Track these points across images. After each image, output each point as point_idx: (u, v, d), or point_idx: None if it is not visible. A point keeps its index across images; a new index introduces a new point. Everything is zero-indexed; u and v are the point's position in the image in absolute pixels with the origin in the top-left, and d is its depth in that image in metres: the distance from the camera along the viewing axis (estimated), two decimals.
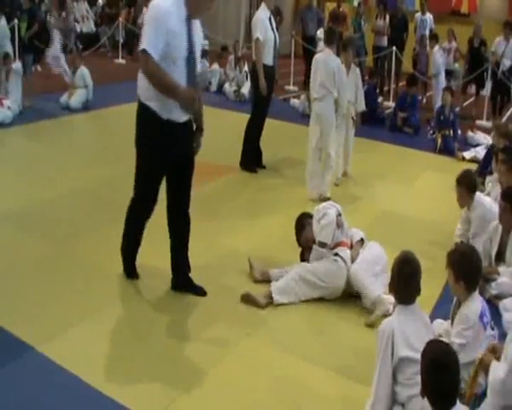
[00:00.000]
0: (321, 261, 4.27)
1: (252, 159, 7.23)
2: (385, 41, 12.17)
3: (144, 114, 3.94)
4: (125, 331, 3.84)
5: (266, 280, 4.36)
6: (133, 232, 4.33)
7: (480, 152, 7.86)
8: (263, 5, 7.03)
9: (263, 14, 6.92)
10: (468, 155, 8.17)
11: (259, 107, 7.19)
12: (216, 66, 12.45)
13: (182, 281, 4.29)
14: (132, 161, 4.09)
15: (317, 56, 6.47)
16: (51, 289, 4.25)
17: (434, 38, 11.08)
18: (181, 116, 3.91)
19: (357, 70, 7.11)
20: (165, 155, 3.95)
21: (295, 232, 4.53)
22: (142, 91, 3.91)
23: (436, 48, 10.84)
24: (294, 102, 11.00)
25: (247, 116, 9.99)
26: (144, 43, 3.70)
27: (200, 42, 4.02)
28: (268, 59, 6.98)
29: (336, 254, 4.28)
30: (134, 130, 4.03)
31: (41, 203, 5.82)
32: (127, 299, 4.22)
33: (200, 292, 4.26)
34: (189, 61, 3.85)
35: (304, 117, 9.95)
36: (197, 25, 3.99)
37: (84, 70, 10.01)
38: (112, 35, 16.00)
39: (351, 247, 4.38)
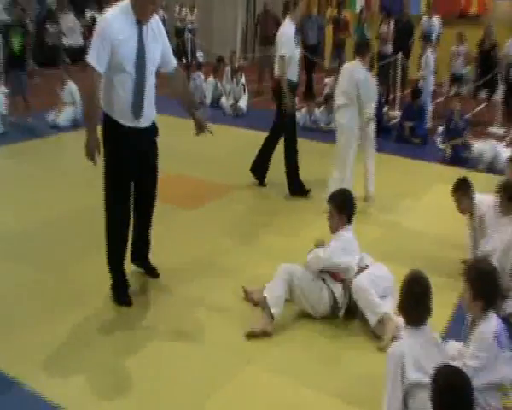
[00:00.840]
0: (309, 281, 4.26)
1: (264, 173, 7.31)
2: (389, 48, 12.23)
3: (107, 122, 4.20)
4: (119, 363, 3.82)
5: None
6: (114, 256, 4.46)
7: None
8: (288, 19, 6.91)
9: (289, 29, 6.83)
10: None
11: (285, 127, 7.09)
12: (211, 78, 12.51)
13: (140, 256, 4.77)
14: None
15: (344, 65, 7.02)
16: (37, 319, 4.25)
17: (427, 39, 11.27)
18: (135, 123, 4.19)
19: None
20: (130, 162, 4.24)
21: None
22: (104, 101, 4.18)
23: (429, 50, 10.92)
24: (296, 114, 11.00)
25: (245, 131, 10.11)
26: (89, 56, 4.03)
27: (158, 47, 4.25)
28: (293, 75, 6.98)
29: (323, 280, 4.28)
30: None
31: (27, 228, 5.84)
32: (118, 329, 4.21)
33: (154, 274, 4.78)
34: (140, 66, 4.10)
35: (305, 130, 10.03)
36: (157, 30, 4.23)
37: (72, 86, 10.10)
38: None
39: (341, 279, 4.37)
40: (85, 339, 4.04)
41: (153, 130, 4.44)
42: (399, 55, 11.71)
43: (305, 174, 7.21)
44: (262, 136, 9.70)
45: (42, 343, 3.95)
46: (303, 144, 9.34)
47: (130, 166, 4.28)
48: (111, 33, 4.00)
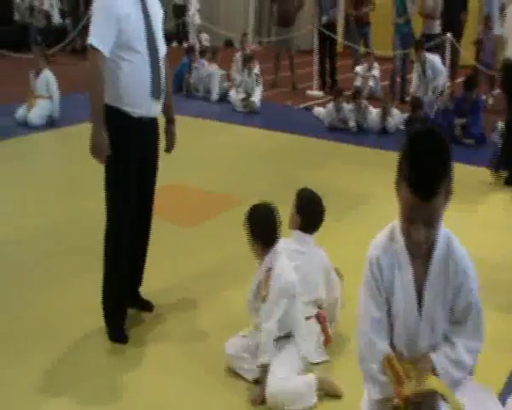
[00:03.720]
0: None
1: None
2: (437, 27, 12.19)
3: (112, 118, 4.19)
4: None
5: None
6: (117, 273, 4.43)
7: None
8: None
9: None
10: None
11: None
12: (215, 66, 12.57)
13: (132, 296, 4.73)
14: None
15: None
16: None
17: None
18: (152, 106, 4.31)
19: None
20: (136, 162, 4.32)
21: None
22: (108, 91, 4.17)
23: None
24: (319, 111, 11.02)
25: (258, 131, 10.11)
26: (92, 37, 4.06)
27: (159, 19, 4.39)
28: None
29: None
30: None
31: None
32: (110, 371, 4.17)
33: (147, 307, 4.80)
34: (151, 43, 4.24)
35: (331, 131, 10.01)
36: (157, 5, 4.41)
37: (48, 75, 10.10)
38: (84, 28, 16.23)
39: None
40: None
41: (157, 125, 4.52)
42: (449, 35, 11.64)
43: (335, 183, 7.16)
44: (278, 136, 9.83)
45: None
46: (327, 147, 9.40)
47: (138, 162, 4.35)
48: (115, 8, 4.06)
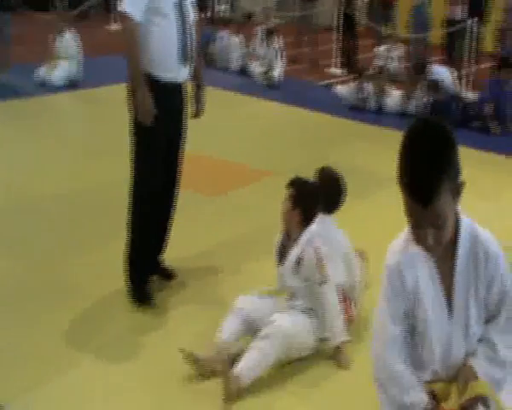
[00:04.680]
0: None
1: None
2: (459, 12, 12.06)
3: None
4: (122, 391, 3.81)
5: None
6: (143, 234, 4.45)
7: None
8: None
9: None
10: None
11: None
12: (236, 39, 12.52)
13: (154, 263, 4.73)
14: None
15: None
16: (23, 329, 4.17)
17: None
18: (180, 71, 4.33)
19: None
20: (163, 128, 4.33)
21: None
22: None
23: None
24: (341, 89, 10.94)
25: (278, 106, 10.07)
26: (124, 3, 4.15)
27: None
28: None
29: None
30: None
31: (12, 212, 5.82)
32: (133, 333, 4.18)
33: (171, 276, 4.78)
34: (180, 9, 4.27)
35: (353, 110, 9.96)
36: None
37: (68, 36, 10.07)
38: None
39: None
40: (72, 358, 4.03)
41: (185, 92, 4.54)
42: (473, 20, 11.50)
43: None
44: (298, 112, 9.77)
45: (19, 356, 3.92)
46: (350, 127, 9.33)
47: (166, 129, 4.36)
48: None
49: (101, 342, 4.08)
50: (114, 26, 15.21)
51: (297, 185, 4.00)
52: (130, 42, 4.18)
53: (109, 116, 8.51)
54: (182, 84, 4.47)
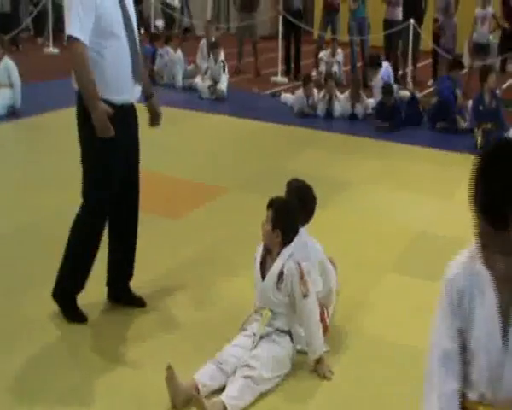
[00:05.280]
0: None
1: None
2: (399, 13, 12.27)
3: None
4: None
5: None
6: (82, 259, 4.45)
7: None
8: None
9: None
10: None
11: None
12: (177, 54, 12.52)
13: (121, 291, 4.70)
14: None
15: None
16: None
17: None
18: (134, 91, 4.33)
19: None
20: (121, 150, 4.30)
21: None
22: None
23: None
24: (287, 97, 10.97)
25: (228, 119, 10.01)
26: (71, 27, 4.06)
27: (131, 3, 4.41)
28: None
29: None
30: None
31: None
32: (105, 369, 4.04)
33: (139, 303, 4.69)
34: (128, 26, 4.25)
35: (300, 117, 9.98)
36: None
37: (8, 63, 9.77)
38: (38, 15, 15.84)
39: None
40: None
41: (136, 111, 4.50)
42: (412, 21, 11.72)
43: (311, 168, 7.08)
44: (247, 124, 9.72)
45: None
46: (298, 134, 9.31)
47: (125, 152, 4.34)
48: None
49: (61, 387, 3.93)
50: (52, 50, 15.00)
51: (275, 206, 3.97)
52: (80, 65, 4.11)
53: (53, 143, 8.38)
54: (133, 105, 4.46)
